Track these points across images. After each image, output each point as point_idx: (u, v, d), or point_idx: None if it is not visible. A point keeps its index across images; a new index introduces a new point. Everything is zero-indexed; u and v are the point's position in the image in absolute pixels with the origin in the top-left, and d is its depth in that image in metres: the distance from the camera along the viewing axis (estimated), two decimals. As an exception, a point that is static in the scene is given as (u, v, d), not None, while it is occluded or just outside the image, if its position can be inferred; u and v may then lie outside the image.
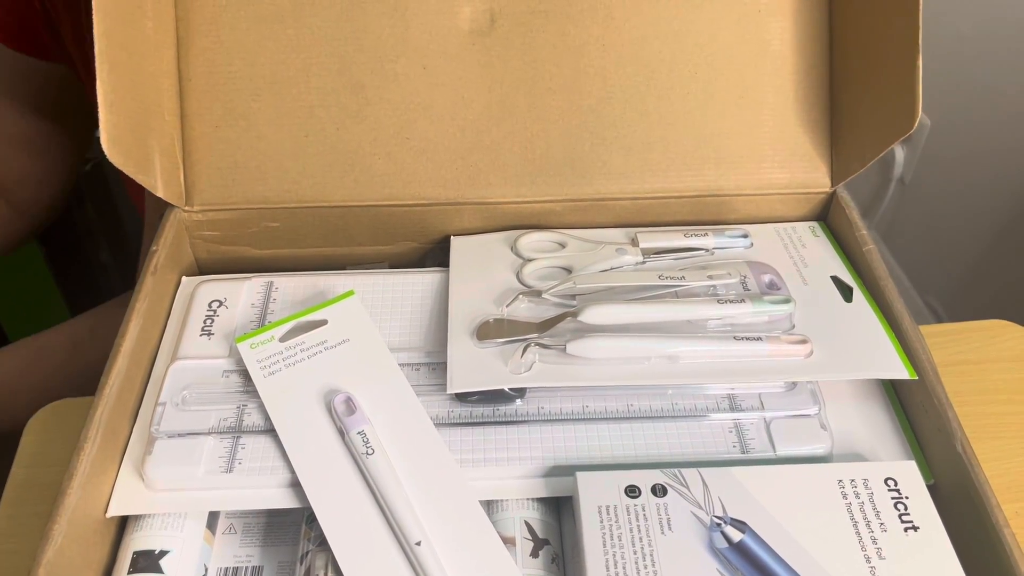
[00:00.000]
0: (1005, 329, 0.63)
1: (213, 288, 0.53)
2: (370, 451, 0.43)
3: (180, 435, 0.45)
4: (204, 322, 0.51)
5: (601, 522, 0.41)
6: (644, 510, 0.41)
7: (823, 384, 0.48)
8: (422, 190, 0.55)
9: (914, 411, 0.47)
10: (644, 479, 0.42)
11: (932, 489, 0.43)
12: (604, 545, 0.40)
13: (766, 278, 0.52)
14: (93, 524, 0.42)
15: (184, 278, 0.55)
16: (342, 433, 0.45)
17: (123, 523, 0.45)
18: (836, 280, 0.52)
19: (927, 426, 0.46)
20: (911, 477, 0.43)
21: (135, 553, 0.43)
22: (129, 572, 0.42)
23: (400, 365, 0.48)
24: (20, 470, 0.55)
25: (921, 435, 0.47)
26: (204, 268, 0.58)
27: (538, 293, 0.51)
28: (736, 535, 0.40)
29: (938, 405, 0.44)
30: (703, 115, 0.55)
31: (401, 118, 0.55)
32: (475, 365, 0.47)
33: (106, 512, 0.43)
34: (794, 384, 0.47)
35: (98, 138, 0.48)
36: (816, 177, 0.56)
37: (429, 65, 0.54)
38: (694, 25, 0.55)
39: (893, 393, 0.49)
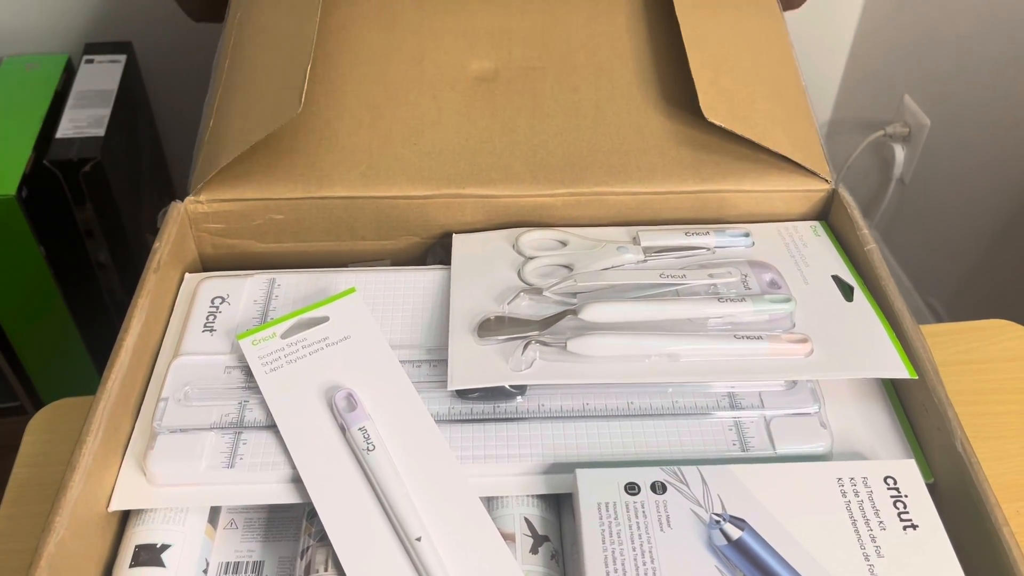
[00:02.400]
0: (1005, 329, 0.63)
1: (215, 285, 0.53)
2: (371, 447, 0.44)
3: (182, 430, 0.45)
4: (206, 318, 0.51)
5: (600, 519, 0.41)
6: (643, 507, 0.41)
7: (823, 383, 0.48)
8: (426, 184, 0.55)
9: (914, 410, 0.47)
10: (644, 476, 0.43)
11: (931, 488, 0.43)
12: (603, 542, 0.40)
13: (767, 277, 0.52)
14: (95, 518, 0.42)
15: (187, 275, 0.55)
16: (343, 429, 0.45)
17: (125, 517, 0.45)
18: (837, 279, 0.52)
19: (927, 425, 0.46)
20: (910, 476, 0.43)
21: (137, 547, 0.43)
22: (131, 565, 0.42)
23: (401, 362, 0.48)
24: (21, 470, 0.55)
25: (921, 434, 0.47)
26: (207, 263, 0.58)
27: (539, 291, 0.51)
28: (735, 532, 0.40)
29: (938, 404, 0.44)
30: (695, 129, 0.57)
31: (411, 130, 0.57)
32: (476, 362, 0.47)
33: (108, 506, 0.43)
34: (794, 383, 0.47)
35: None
36: (816, 175, 0.56)
37: (439, 96, 0.60)
38: (681, 72, 0.60)
39: (893, 392, 0.49)
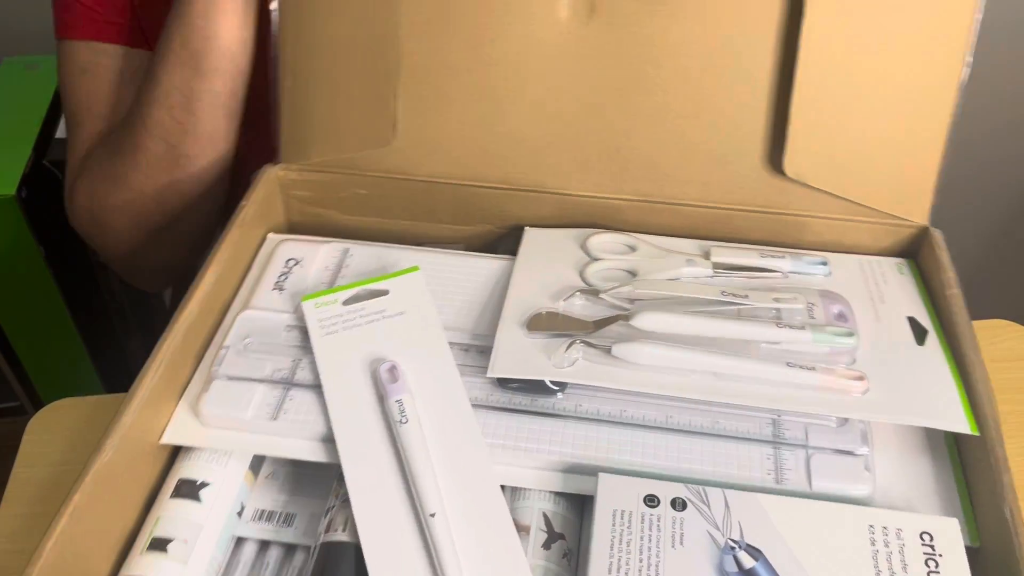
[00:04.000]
0: (1005, 329, 0.60)
1: (292, 247, 0.56)
2: (404, 420, 0.45)
3: (236, 379, 0.48)
4: (278, 278, 0.54)
5: (613, 525, 0.41)
6: (659, 521, 0.41)
7: (881, 427, 0.46)
8: (502, 174, 0.55)
9: (972, 468, 0.44)
10: (665, 490, 0.42)
11: (977, 552, 0.41)
12: (611, 548, 0.40)
13: (835, 309, 0.50)
14: (146, 447, 0.45)
15: (270, 235, 0.58)
16: (382, 399, 0.46)
17: (176, 453, 0.48)
18: (912, 321, 0.50)
19: (982, 486, 0.43)
20: (950, 535, 0.40)
21: (180, 480, 0.46)
22: (172, 496, 0.45)
23: (450, 344, 0.49)
24: (21, 470, 0.55)
25: (976, 495, 0.44)
26: (293, 227, 0.61)
27: (596, 292, 0.51)
28: (748, 561, 0.39)
29: (994, 465, 0.42)
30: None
31: (489, 104, 0.55)
32: (520, 353, 0.47)
33: (160, 439, 0.46)
34: (845, 420, 0.45)
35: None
36: (911, 210, 0.53)
37: (523, 52, 0.54)
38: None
39: (955, 448, 0.46)
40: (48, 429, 0.57)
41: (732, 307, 0.50)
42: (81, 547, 0.41)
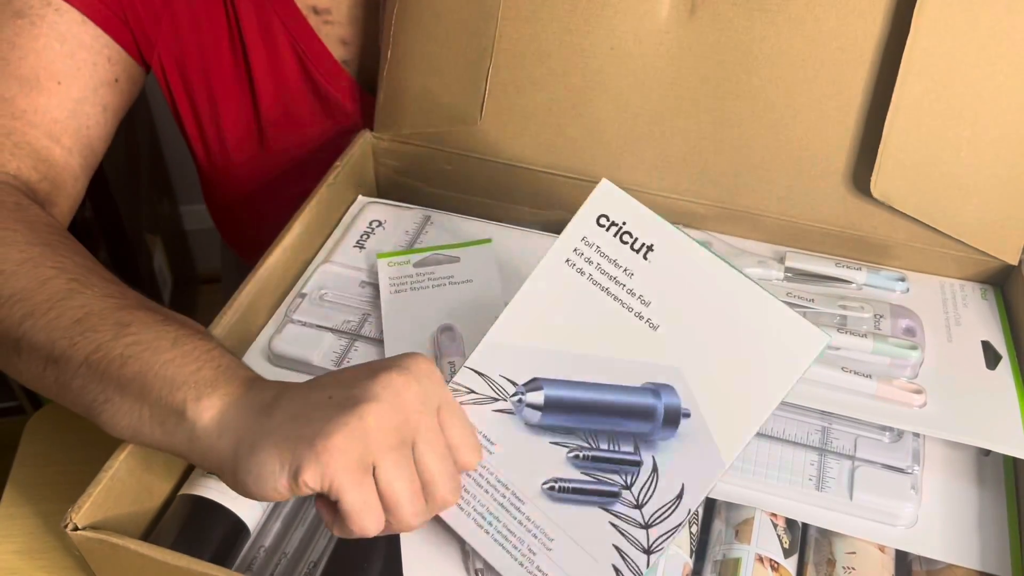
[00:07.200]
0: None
1: (378, 210, 0.58)
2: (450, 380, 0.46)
3: (308, 325, 0.51)
4: (361, 237, 0.56)
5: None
6: None
7: (934, 451, 0.45)
8: (581, 165, 0.56)
9: (1028, 501, 0.43)
10: None
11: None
12: None
13: (904, 323, 0.48)
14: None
15: (360, 196, 0.60)
16: (436, 358, 0.48)
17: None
18: (986, 345, 0.48)
19: (1036, 520, 0.41)
20: None
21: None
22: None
23: (511, 315, 0.50)
24: (20, 469, 0.55)
25: (1028, 529, 0.42)
26: (383, 193, 0.63)
27: (661, 282, 0.51)
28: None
29: (1049, 497, 0.40)
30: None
31: (579, 94, 0.55)
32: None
33: (232, 371, 0.49)
34: (899, 437, 0.44)
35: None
36: (1002, 248, 0.51)
37: (617, 46, 0.54)
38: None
39: (1012, 483, 0.44)
40: (47, 429, 0.57)
41: (796, 309, 0.49)
42: (150, 462, 0.45)
